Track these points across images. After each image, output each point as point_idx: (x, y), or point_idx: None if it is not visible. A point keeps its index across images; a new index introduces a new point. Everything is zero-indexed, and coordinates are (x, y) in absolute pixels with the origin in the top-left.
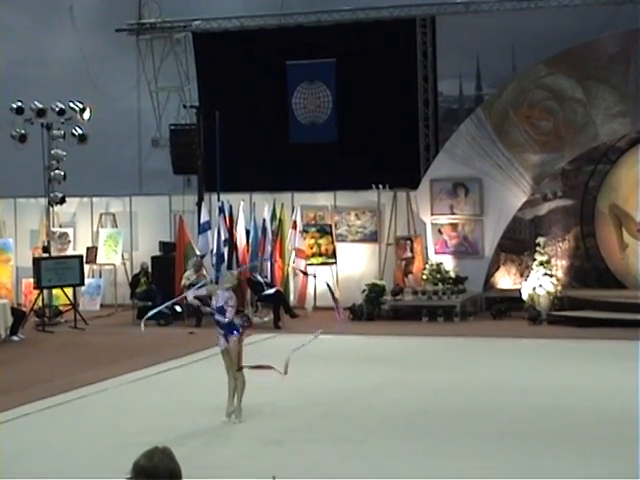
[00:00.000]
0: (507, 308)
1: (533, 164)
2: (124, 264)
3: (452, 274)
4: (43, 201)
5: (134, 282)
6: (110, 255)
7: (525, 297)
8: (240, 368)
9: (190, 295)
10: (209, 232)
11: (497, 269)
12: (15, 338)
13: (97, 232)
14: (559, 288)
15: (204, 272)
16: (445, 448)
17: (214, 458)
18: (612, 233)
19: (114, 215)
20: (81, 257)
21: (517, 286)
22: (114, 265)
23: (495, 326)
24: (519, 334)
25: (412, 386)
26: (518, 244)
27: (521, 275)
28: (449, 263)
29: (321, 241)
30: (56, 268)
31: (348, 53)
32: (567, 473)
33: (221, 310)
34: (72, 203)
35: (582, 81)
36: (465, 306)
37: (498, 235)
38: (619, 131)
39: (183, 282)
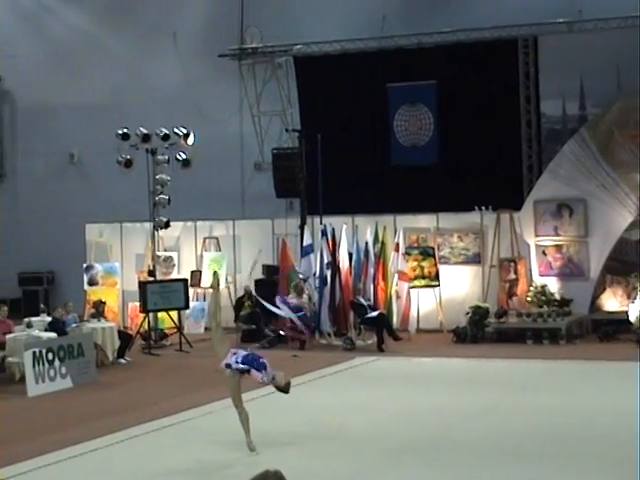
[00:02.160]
0: (614, 331)
1: (639, 184)
2: (228, 287)
3: (557, 296)
4: (148, 225)
5: (238, 305)
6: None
7: (632, 319)
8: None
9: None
10: (312, 255)
11: (603, 291)
12: (122, 361)
13: (201, 256)
14: None
15: (305, 295)
16: (552, 472)
17: (318, 478)
18: None
19: (217, 239)
20: (186, 281)
21: (624, 308)
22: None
23: (602, 349)
24: (627, 357)
25: (517, 409)
26: (624, 265)
27: (628, 297)
28: (554, 285)
29: (424, 263)
30: (161, 292)
31: (449, 75)
32: None
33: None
34: (176, 227)
35: None
36: (571, 328)
37: (604, 256)
38: None
39: None
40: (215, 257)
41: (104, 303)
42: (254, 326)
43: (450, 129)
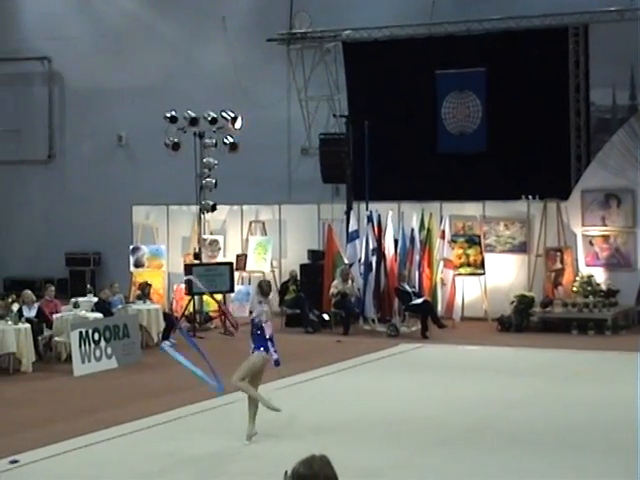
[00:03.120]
0: None
1: None
2: (273, 272)
3: (603, 286)
4: (195, 208)
5: (283, 290)
6: (259, 262)
7: None
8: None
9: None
10: (357, 241)
11: None
12: (167, 343)
13: (247, 240)
14: None
15: (351, 281)
16: (594, 463)
17: (363, 464)
18: None
19: (263, 223)
20: (231, 264)
21: None
22: (263, 272)
23: None
24: None
25: (561, 400)
26: None
27: None
28: (600, 275)
29: (469, 251)
30: (207, 275)
31: (498, 62)
32: None
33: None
34: (222, 211)
35: None
36: (617, 319)
37: None
38: None
39: (332, 291)
40: (261, 241)
41: (150, 285)
42: (298, 311)
43: (498, 117)
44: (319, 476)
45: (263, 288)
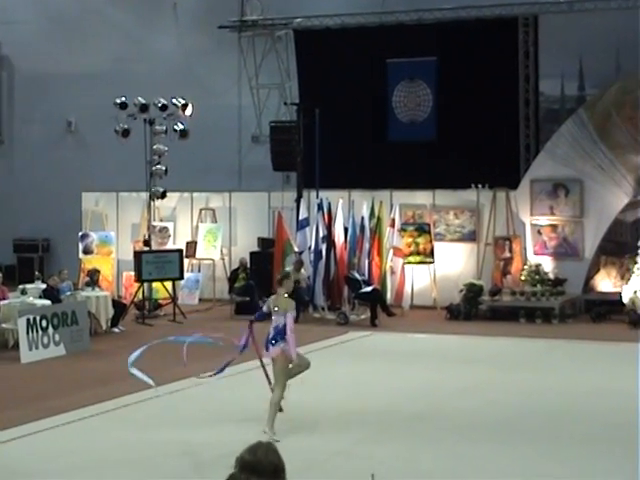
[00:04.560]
0: (607, 311)
1: (636, 165)
2: (223, 259)
3: (551, 275)
4: (144, 195)
5: (232, 277)
6: (209, 250)
7: (625, 301)
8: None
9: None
10: (307, 229)
11: (597, 271)
12: (116, 330)
13: (197, 227)
14: None
15: (303, 270)
16: (540, 450)
17: (309, 452)
18: None
19: (214, 210)
20: (181, 251)
21: (617, 289)
22: (213, 260)
23: (594, 329)
24: (619, 338)
25: (508, 387)
26: (619, 247)
27: (622, 278)
28: (548, 264)
29: (419, 240)
30: (156, 262)
31: (449, 51)
32: None
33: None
34: (173, 198)
35: None
36: (564, 308)
37: (599, 237)
38: None
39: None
40: (211, 228)
41: (99, 272)
42: (248, 298)
43: (448, 106)
44: (263, 463)
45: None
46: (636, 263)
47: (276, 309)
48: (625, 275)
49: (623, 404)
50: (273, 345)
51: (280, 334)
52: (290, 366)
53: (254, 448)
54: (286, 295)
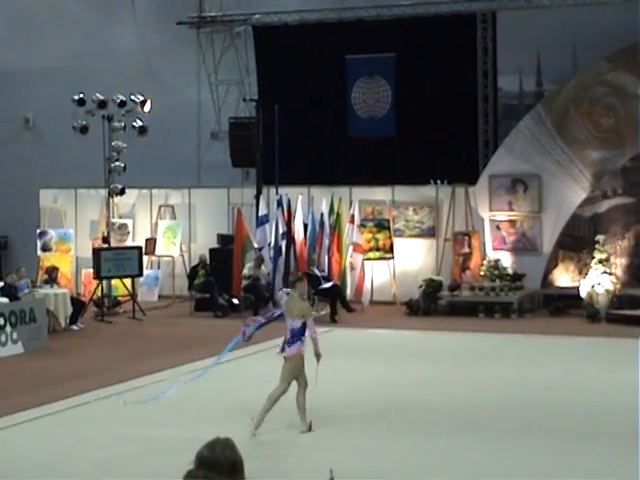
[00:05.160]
0: (565, 306)
1: (593, 161)
2: (182, 256)
3: (510, 270)
4: (103, 192)
5: (192, 274)
6: (169, 247)
7: (583, 295)
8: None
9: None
10: (267, 225)
11: (555, 266)
12: (74, 327)
13: (156, 224)
14: (618, 286)
15: (263, 267)
16: (496, 444)
17: (267, 447)
18: None
19: (173, 207)
20: (140, 248)
21: (575, 284)
22: (172, 257)
23: (553, 324)
24: (577, 332)
25: (467, 382)
26: (577, 241)
27: (580, 273)
28: (507, 259)
29: (379, 236)
30: (115, 259)
31: (408, 48)
32: (617, 473)
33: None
34: (132, 194)
35: None
36: (522, 303)
37: (557, 232)
38: None
39: (244, 272)
40: (170, 225)
41: (57, 269)
42: (208, 295)
43: (407, 102)
44: (220, 459)
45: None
46: (594, 258)
47: (291, 312)
48: (583, 270)
49: (581, 397)
50: (289, 346)
51: (296, 336)
52: (299, 375)
53: (212, 444)
54: (301, 297)
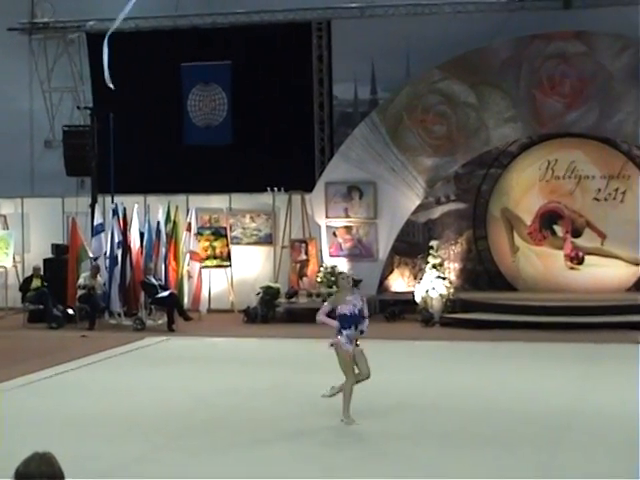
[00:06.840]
0: (401, 311)
1: (426, 168)
2: (15, 267)
3: None
4: None
5: (25, 285)
6: (1, 257)
7: (418, 300)
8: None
9: (321, 317)
10: (103, 234)
11: (391, 272)
12: None
13: None
14: (452, 291)
15: (99, 277)
16: (330, 449)
17: (106, 460)
18: (503, 236)
19: (5, 217)
20: None
21: (411, 289)
22: (5, 268)
23: (388, 328)
24: (412, 336)
25: (304, 389)
26: (412, 247)
27: (415, 278)
28: (344, 266)
29: (216, 244)
30: None
31: (243, 55)
32: (452, 473)
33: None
34: None
35: (475, 86)
36: None
37: (392, 238)
38: (510, 136)
39: (79, 282)
40: (2, 235)
41: None
42: (42, 306)
43: (244, 110)
44: (35, 475)
45: None
46: (428, 263)
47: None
48: (418, 275)
49: (417, 400)
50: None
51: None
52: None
53: (28, 460)
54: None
